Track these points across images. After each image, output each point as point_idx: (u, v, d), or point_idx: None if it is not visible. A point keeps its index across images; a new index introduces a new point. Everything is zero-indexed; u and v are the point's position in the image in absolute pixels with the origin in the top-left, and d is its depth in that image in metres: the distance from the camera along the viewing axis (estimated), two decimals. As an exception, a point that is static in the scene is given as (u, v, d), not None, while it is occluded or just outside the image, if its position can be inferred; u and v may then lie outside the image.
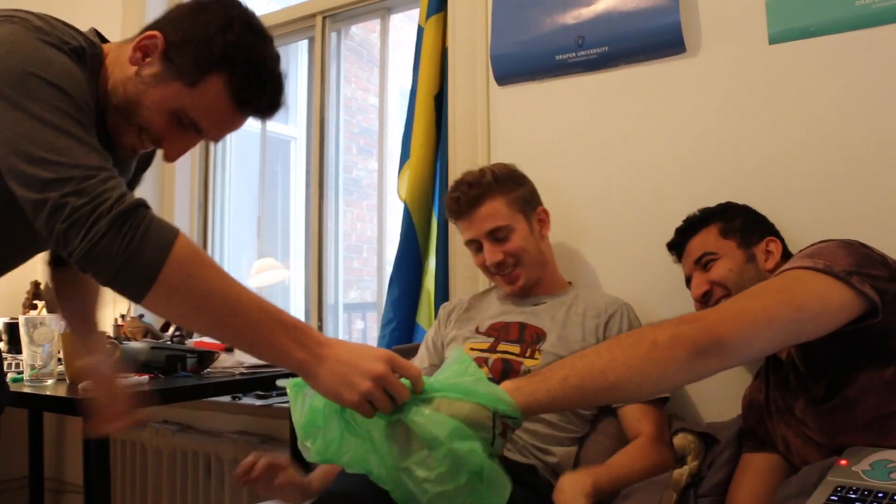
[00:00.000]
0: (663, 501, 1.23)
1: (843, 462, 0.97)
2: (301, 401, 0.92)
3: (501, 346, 1.50)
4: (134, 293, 0.82)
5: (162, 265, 0.80)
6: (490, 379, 0.94)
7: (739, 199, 1.47)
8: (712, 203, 1.47)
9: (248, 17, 1.01)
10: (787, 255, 1.38)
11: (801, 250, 1.13)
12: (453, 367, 0.93)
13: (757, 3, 1.58)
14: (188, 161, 2.80)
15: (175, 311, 0.85)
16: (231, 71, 0.97)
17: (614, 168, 1.75)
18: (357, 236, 3.91)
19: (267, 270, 2.55)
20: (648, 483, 1.26)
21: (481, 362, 1.46)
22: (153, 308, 0.84)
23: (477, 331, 1.56)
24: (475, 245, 1.55)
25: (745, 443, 1.33)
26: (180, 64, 0.96)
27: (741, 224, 1.40)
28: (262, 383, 2.01)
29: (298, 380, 0.91)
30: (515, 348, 1.48)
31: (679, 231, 1.47)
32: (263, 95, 1.02)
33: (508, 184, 1.55)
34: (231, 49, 0.97)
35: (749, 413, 1.34)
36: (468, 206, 1.52)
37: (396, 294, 2.00)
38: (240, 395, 2.36)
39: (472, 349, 1.51)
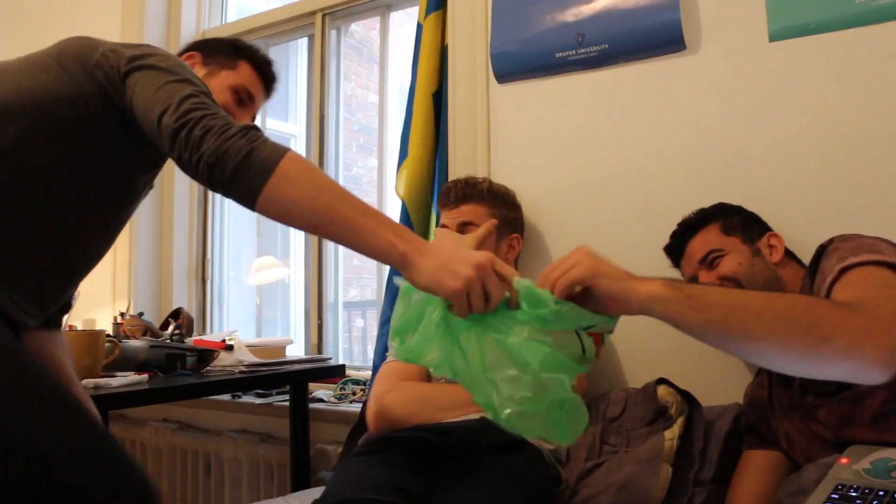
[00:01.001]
0: (661, 478, 1.24)
1: (844, 460, 0.96)
2: (404, 306, 0.94)
3: None
4: (254, 184, 0.91)
5: (280, 159, 0.92)
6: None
7: (739, 196, 1.47)
8: (713, 199, 1.47)
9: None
10: (787, 250, 1.38)
11: (831, 242, 1.11)
12: (528, 298, 0.92)
13: (757, 1, 1.57)
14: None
15: (291, 200, 0.92)
16: (250, 58, 1.43)
17: (614, 166, 1.75)
18: (357, 234, 3.91)
19: (267, 269, 2.54)
20: (641, 463, 1.26)
21: None
22: (268, 201, 0.91)
23: None
24: None
25: (746, 439, 1.33)
26: (218, 62, 1.39)
27: (740, 221, 1.40)
28: (261, 382, 2.01)
29: (410, 285, 0.92)
30: None
31: (676, 234, 1.45)
32: (270, 73, 1.47)
33: (497, 201, 1.65)
34: (244, 46, 1.45)
35: (751, 410, 1.33)
36: (455, 202, 1.63)
37: (396, 292, 1.99)
38: (239, 393, 2.36)
39: None
